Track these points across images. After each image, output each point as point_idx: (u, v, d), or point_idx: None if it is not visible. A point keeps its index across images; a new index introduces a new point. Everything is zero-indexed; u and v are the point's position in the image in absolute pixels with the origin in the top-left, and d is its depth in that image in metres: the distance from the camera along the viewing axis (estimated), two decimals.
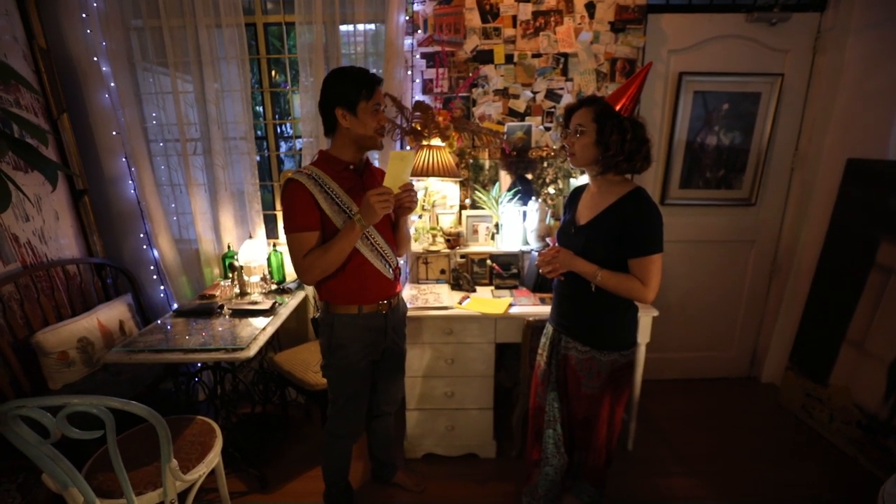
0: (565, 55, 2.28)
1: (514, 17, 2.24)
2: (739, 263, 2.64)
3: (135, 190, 2.36)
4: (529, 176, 2.38)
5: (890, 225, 2.00)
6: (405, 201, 1.43)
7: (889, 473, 1.42)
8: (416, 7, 2.22)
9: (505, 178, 2.39)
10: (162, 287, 2.49)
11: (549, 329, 1.59)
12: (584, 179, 2.37)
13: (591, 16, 2.23)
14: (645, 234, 1.31)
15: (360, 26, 2.21)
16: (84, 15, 2.14)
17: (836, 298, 2.21)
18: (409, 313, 1.79)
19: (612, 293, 1.36)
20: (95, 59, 2.18)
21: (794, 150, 2.48)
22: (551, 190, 2.38)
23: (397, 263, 1.57)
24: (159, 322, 1.94)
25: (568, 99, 2.33)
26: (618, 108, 1.32)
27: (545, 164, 2.37)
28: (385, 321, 1.54)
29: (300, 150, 2.42)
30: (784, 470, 2.04)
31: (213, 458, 1.52)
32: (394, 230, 1.57)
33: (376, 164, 2.10)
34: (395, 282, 1.56)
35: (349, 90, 1.34)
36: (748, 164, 2.47)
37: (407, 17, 2.18)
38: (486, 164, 2.39)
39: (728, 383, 2.77)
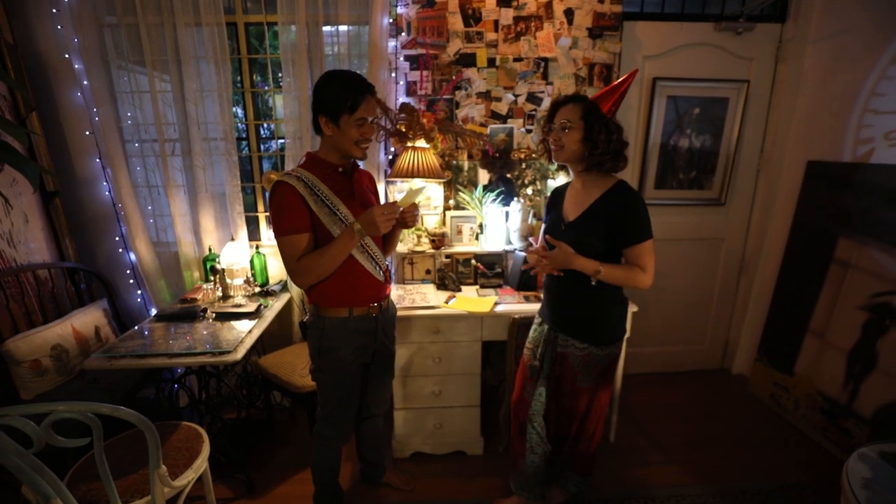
0: (545, 59, 2.34)
1: (496, 22, 2.29)
2: (711, 260, 2.77)
3: (110, 191, 2.29)
4: (508, 175, 2.43)
5: (846, 222, 2.14)
6: (408, 219, 1.46)
7: (849, 453, 1.53)
8: (400, 10, 2.24)
9: (484, 179, 2.43)
10: (139, 291, 2.42)
11: (542, 327, 1.61)
12: (562, 180, 2.45)
13: (570, 22, 2.30)
14: (638, 222, 1.37)
15: (343, 27, 2.21)
16: (54, 10, 2.06)
17: (800, 292, 2.35)
18: (397, 313, 1.80)
19: (608, 287, 1.41)
20: (67, 55, 2.11)
21: (760, 153, 2.63)
22: (529, 191, 2.44)
23: (387, 265, 1.59)
24: (137, 327, 1.89)
25: (549, 102, 2.39)
26: (605, 110, 1.38)
27: (524, 166, 2.42)
28: (375, 324, 1.54)
29: (282, 150, 2.40)
30: (755, 456, 2.15)
31: (201, 463, 1.50)
32: (385, 236, 1.59)
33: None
34: (386, 283, 1.57)
35: (333, 100, 1.33)
36: (718, 165, 2.59)
37: (390, 20, 2.20)
38: (466, 165, 2.42)
39: (701, 375, 2.90)
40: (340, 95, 1.32)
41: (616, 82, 1.42)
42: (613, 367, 1.54)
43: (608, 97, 1.39)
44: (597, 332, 1.48)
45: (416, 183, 2.11)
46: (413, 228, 2.28)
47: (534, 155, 2.42)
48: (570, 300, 1.50)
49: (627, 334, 2.02)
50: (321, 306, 1.48)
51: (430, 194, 2.34)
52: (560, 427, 1.64)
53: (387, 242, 1.61)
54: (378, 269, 1.51)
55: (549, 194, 2.42)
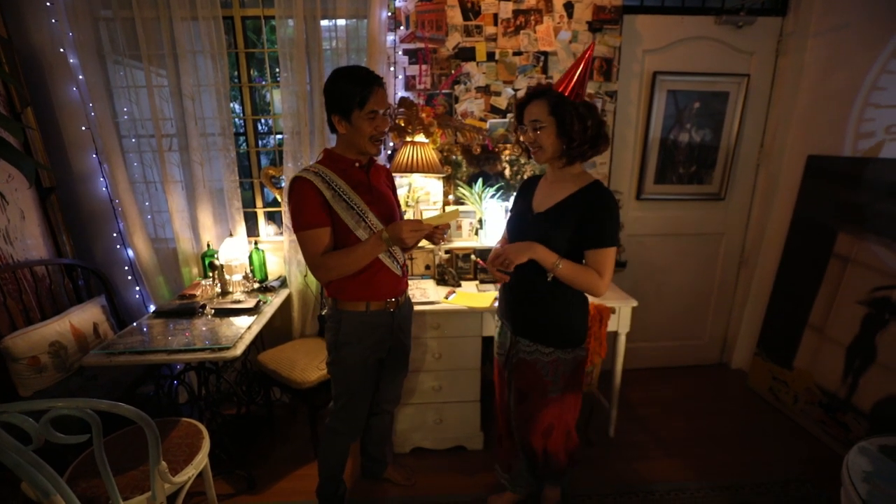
0: (545, 53, 2.33)
1: (496, 16, 2.27)
2: (710, 255, 2.77)
3: (107, 187, 2.27)
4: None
5: (846, 217, 2.14)
6: (435, 237, 1.45)
7: (847, 447, 1.53)
8: (399, 3, 2.22)
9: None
10: (137, 288, 2.41)
11: (505, 331, 1.53)
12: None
13: (570, 15, 2.28)
14: (607, 226, 1.30)
15: (341, 21, 2.19)
16: (48, 4, 2.04)
17: (799, 287, 2.35)
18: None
19: (565, 286, 1.33)
20: (62, 50, 2.08)
21: (760, 147, 2.62)
22: None
23: (405, 260, 1.58)
24: (136, 324, 1.88)
25: None
26: (570, 95, 1.28)
27: (523, 161, 2.41)
28: (392, 319, 1.54)
29: (280, 146, 2.39)
30: (754, 450, 2.16)
31: (202, 459, 1.50)
32: None
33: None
34: (403, 278, 1.57)
35: (342, 98, 1.33)
36: (718, 160, 2.58)
37: (389, 14, 2.18)
38: (461, 159, 2.41)
39: (700, 370, 2.90)
40: (348, 91, 1.32)
41: (575, 62, 1.30)
42: (580, 371, 1.46)
43: (568, 80, 1.29)
44: (563, 334, 1.40)
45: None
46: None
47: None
48: (530, 299, 1.41)
49: (627, 330, 2.04)
50: (339, 300, 1.48)
51: (430, 189, 2.33)
52: (529, 440, 1.53)
53: None
54: (396, 263, 1.51)
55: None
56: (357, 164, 1.45)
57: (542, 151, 1.33)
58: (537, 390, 1.44)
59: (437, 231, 1.43)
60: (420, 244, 2.20)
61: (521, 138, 1.38)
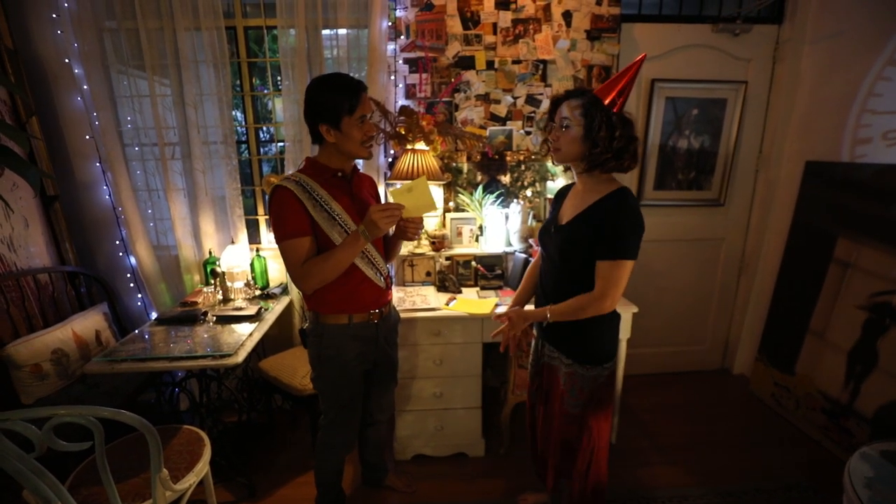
0: (544, 62, 2.35)
1: (495, 25, 2.29)
2: (710, 261, 2.77)
3: (110, 195, 2.29)
4: (500, 178, 2.45)
5: (845, 222, 2.15)
6: (409, 231, 1.44)
7: (850, 452, 1.53)
8: (399, 13, 2.25)
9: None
10: (139, 295, 2.42)
11: (537, 337, 1.54)
12: (561, 182, 2.45)
13: (568, 24, 2.31)
14: (619, 235, 1.22)
15: (342, 31, 2.22)
16: (54, 15, 2.07)
17: (800, 292, 2.36)
18: (400, 319, 1.77)
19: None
20: (67, 60, 2.12)
21: (759, 153, 2.63)
22: (529, 192, 2.45)
23: (388, 272, 1.57)
24: (138, 331, 1.89)
25: (547, 105, 2.40)
26: (607, 102, 1.25)
27: (523, 168, 2.43)
28: (376, 331, 1.53)
29: (281, 154, 2.41)
30: (756, 456, 2.15)
31: (203, 467, 1.50)
32: (386, 242, 1.59)
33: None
34: (387, 290, 1.56)
35: (331, 106, 1.31)
36: (716, 166, 2.60)
37: (390, 23, 2.21)
38: (465, 167, 2.43)
39: (702, 376, 2.89)
40: (337, 99, 1.31)
41: (621, 71, 1.26)
42: (605, 394, 1.38)
43: (610, 88, 1.25)
44: (584, 347, 1.35)
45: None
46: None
47: (533, 156, 2.43)
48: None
49: (628, 335, 2.03)
50: (320, 313, 1.47)
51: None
52: (554, 457, 1.48)
53: (389, 248, 1.60)
54: (379, 275, 1.50)
55: (551, 195, 2.43)
56: (339, 174, 1.43)
57: (559, 152, 1.31)
58: (557, 399, 1.42)
59: (409, 224, 1.41)
60: (419, 251, 2.23)
61: (548, 136, 1.35)
